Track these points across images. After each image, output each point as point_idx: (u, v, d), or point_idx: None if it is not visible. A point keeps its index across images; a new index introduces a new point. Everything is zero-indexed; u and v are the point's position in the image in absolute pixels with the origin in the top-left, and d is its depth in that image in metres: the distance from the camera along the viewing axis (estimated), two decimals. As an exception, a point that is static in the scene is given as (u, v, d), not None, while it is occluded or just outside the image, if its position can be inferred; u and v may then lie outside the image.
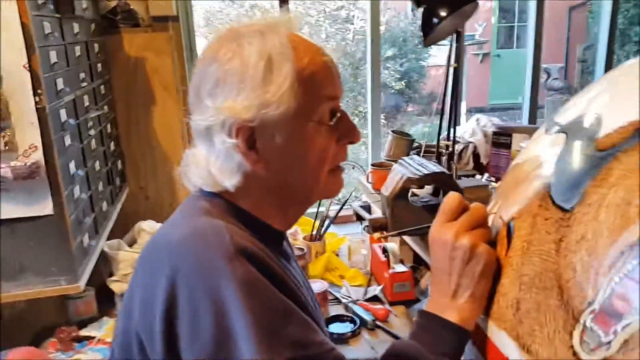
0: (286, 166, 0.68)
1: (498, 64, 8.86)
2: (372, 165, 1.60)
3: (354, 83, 6.25)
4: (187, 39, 1.97)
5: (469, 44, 8.07)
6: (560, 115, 0.68)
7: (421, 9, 1.13)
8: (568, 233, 0.53)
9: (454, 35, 1.27)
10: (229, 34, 0.67)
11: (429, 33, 1.11)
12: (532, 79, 2.34)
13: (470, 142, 1.72)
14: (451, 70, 1.33)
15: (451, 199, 0.65)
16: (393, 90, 7.19)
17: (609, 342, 0.46)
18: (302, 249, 1.44)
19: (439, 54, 8.53)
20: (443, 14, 1.06)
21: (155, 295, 0.59)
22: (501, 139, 1.67)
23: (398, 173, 1.12)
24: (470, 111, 6.78)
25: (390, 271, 1.32)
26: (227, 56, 0.65)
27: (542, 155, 0.65)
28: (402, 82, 7.31)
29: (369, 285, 1.41)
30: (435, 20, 1.08)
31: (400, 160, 1.19)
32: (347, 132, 0.70)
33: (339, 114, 0.69)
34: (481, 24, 8.37)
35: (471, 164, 1.72)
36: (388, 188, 1.11)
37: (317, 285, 1.24)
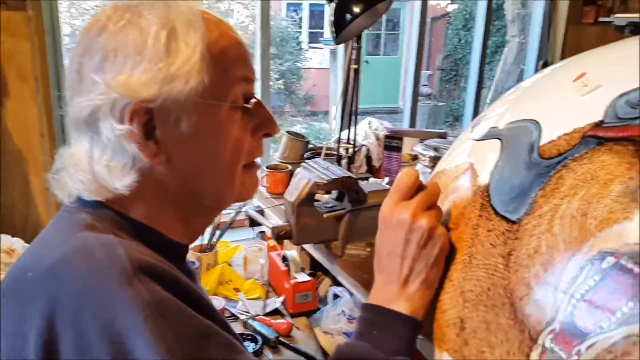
0: (194, 161, 0.56)
1: (367, 69, 9.27)
2: (267, 167, 1.51)
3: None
4: (50, 20, 1.70)
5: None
6: (481, 123, 0.66)
7: (332, 4, 1.07)
8: (517, 246, 0.50)
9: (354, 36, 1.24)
10: (122, 3, 0.55)
11: (341, 30, 1.06)
12: (414, 85, 2.43)
13: (363, 145, 1.72)
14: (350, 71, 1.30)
15: (407, 175, 0.58)
16: (272, 90, 7.15)
17: (572, 364, 0.43)
18: (192, 262, 1.30)
19: (314, 56, 8.71)
20: (357, 10, 1.02)
21: (27, 340, 0.45)
22: (393, 142, 1.69)
23: (303, 178, 1.04)
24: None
25: (292, 281, 1.25)
26: (120, 24, 0.52)
27: (471, 161, 0.62)
28: (281, 83, 7.31)
29: (267, 297, 1.33)
30: (348, 17, 1.03)
31: (303, 164, 1.12)
32: (264, 122, 0.60)
33: (254, 100, 0.59)
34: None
35: (364, 167, 1.72)
36: (293, 193, 1.04)
37: (214, 303, 1.12)
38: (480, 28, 2.41)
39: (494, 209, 0.54)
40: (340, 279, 1.17)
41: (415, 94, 2.46)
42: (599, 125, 0.49)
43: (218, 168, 0.58)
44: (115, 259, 0.46)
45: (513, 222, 0.51)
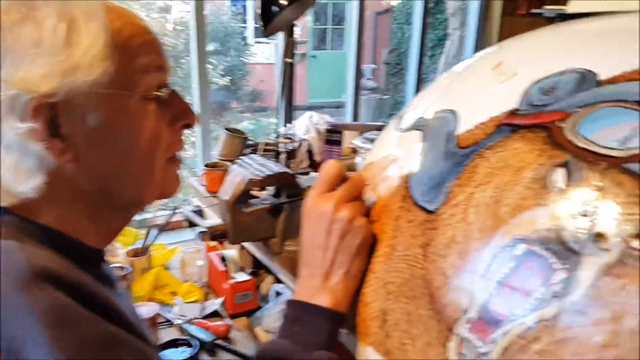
0: (105, 156, 0.53)
1: (314, 64, 9.28)
2: (206, 165, 1.47)
3: (176, 77, 5.89)
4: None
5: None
6: (408, 113, 0.65)
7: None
8: (435, 236, 0.49)
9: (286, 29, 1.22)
10: None
11: (269, 23, 1.04)
12: (355, 79, 2.44)
13: (305, 140, 1.70)
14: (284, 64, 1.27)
15: (332, 167, 0.58)
16: (217, 87, 7.01)
17: (487, 353, 0.43)
18: (123, 268, 1.24)
19: (259, 51, 8.62)
20: (284, 2, 1.00)
21: None
22: (333, 136, 1.68)
23: (237, 175, 1.02)
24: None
25: (231, 281, 1.22)
26: (15, 19, 0.48)
27: (395, 153, 0.62)
28: (227, 79, 7.17)
29: (206, 299, 1.29)
30: (275, 8, 1.00)
31: (237, 160, 1.09)
32: (181, 113, 0.57)
33: (168, 89, 0.56)
34: (297, 25, 8.66)
35: (306, 162, 1.70)
36: (227, 191, 1.01)
37: (144, 310, 1.07)
38: (419, 22, 2.44)
39: (413, 199, 0.53)
40: (281, 276, 1.15)
41: (357, 87, 2.47)
42: (513, 113, 0.49)
43: (133, 163, 0.54)
44: (14, 266, 0.43)
45: (431, 212, 0.51)
